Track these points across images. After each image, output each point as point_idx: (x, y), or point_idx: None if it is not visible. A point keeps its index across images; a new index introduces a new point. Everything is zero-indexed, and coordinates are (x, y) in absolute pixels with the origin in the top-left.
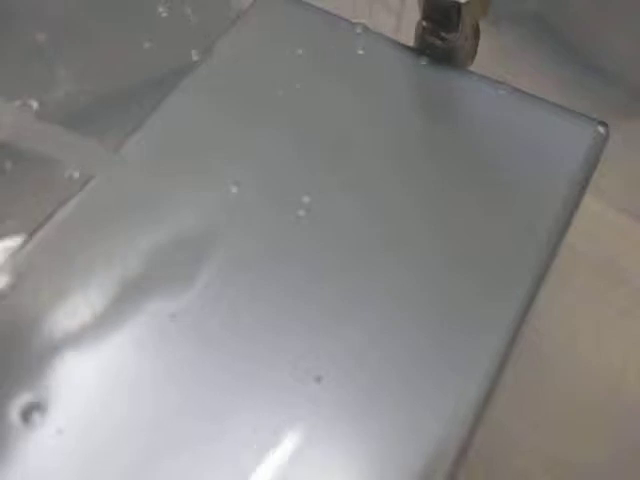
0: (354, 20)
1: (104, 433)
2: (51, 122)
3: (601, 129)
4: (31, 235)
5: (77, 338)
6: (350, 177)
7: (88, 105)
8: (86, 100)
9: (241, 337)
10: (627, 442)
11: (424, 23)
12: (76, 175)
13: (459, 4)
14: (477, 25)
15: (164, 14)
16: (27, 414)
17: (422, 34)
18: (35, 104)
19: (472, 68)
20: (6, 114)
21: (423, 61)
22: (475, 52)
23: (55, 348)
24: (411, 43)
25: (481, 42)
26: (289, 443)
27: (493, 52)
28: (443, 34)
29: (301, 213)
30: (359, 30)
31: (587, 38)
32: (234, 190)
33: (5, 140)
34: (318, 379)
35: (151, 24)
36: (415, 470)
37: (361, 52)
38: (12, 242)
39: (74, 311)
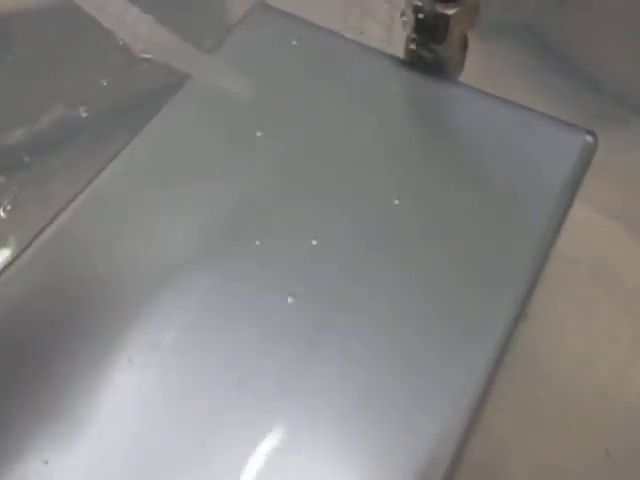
0: (345, 33)
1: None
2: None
3: (589, 138)
4: (24, 249)
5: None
6: (343, 182)
7: (84, 118)
8: (82, 114)
9: (231, 357)
10: (620, 448)
11: (413, 35)
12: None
13: (447, 16)
14: (465, 36)
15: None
16: None
17: (411, 46)
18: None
19: (461, 79)
20: (143, 25)
21: (413, 72)
22: (464, 63)
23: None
24: (401, 55)
25: (470, 52)
26: (286, 450)
27: (482, 62)
28: (432, 46)
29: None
30: (349, 43)
31: (576, 48)
32: (223, 202)
33: (142, 50)
34: (313, 383)
35: None
36: (411, 473)
37: (351, 64)
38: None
39: (70, 324)
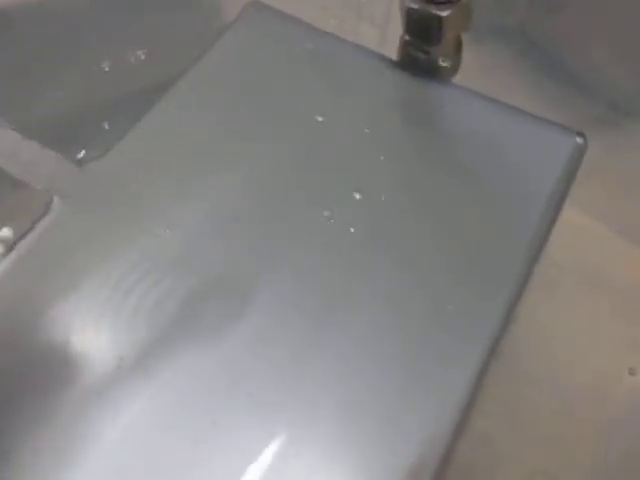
0: (339, 32)
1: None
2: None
3: (579, 140)
4: (12, 248)
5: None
6: (337, 183)
7: (71, 117)
8: (69, 112)
9: (225, 358)
10: (612, 452)
11: (407, 37)
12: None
13: (440, 18)
14: (459, 38)
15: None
16: None
17: (405, 48)
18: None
19: (455, 81)
20: (46, 164)
21: (406, 74)
22: (458, 65)
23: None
24: (395, 56)
25: (464, 55)
26: (279, 452)
27: (475, 65)
28: (426, 47)
29: (293, 214)
30: (343, 43)
31: (567, 51)
32: (221, 204)
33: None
34: (308, 385)
35: (138, 38)
36: (400, 474)
37: (346, 65)
38: None
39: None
